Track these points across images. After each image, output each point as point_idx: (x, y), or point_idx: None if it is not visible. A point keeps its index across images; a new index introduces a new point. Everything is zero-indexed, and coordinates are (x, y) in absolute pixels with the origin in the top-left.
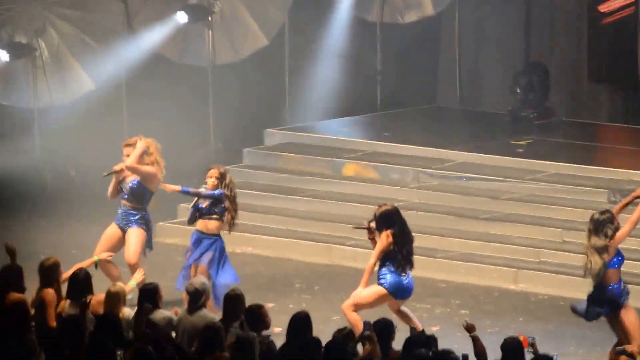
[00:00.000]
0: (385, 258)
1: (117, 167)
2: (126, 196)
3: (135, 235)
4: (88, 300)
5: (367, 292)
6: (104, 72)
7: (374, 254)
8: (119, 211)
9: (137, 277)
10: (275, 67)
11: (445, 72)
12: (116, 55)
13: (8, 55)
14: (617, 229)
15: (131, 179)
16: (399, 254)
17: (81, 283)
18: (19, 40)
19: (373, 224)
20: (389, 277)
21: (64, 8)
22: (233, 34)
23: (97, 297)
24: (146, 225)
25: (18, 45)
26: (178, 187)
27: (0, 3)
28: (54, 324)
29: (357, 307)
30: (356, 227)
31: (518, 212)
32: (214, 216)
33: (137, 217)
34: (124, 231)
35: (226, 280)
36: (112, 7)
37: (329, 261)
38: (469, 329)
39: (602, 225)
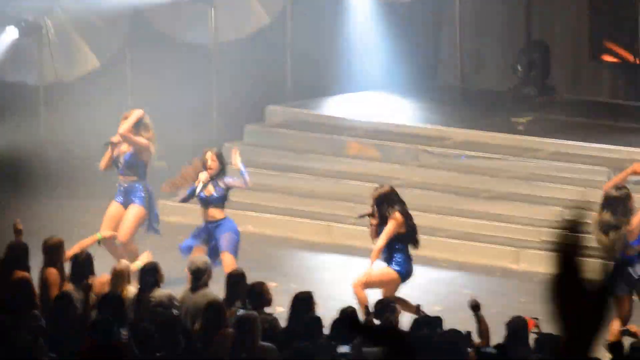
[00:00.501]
0: (395, 239)
1: (115, 139)
2: (122, 171)
3: (133, 213)
4: (90, 282)
5: (379, 273)
6: (108, 51)
7: (384, 236)
8: (120, 188)
9: (144, 258)
10: (277, 44)
11: (446, 50)
12: (121, 34)
13: (17, 31)
14: (632, 207)
15: (124, 153)
16: (408, 234)
17: (82, 265)
18: (26, 18)
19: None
20: (403, 261)
21: None
22: (235, 13)
23: (100, 278)
24: (149, 199)
25: (25, 23)
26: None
27: None
28: None
29: (366, 286)
30: (361, 216)
31: (518, 190)
32: (221, 204)
33: (140, 190)
34: (126, 207)
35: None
36: None
37: (330, 240)
38: (475, 306)
39: (619, 202)
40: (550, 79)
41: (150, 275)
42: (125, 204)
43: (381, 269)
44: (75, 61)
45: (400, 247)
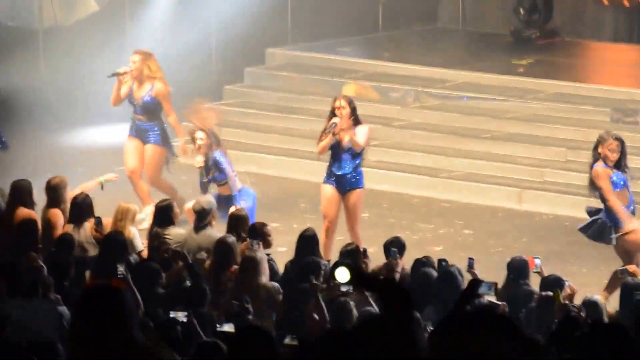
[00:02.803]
0: (356, 155)
1: (121, 70)
2: (139, 111)
3: (151, 154)
4: (96, 224)
5: (357, 203)
6: None
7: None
8: (135, 124)
9: (147, 210)
10: None
11: None
12: None
13: None
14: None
15: (144, 94)
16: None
17: (81, 207)
18: None
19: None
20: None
21: None
22: None
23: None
24: (165, 138)
25: None
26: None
27: None
28: None
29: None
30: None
31: (520, 131)
32: (223, 182)
33: (156, 132)
34: (143, 143)
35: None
36: None
37: None
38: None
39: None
40: (552, 21)
41: (165, 213)
42: (143, 141)
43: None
44: (74, 5)
45: (358, 161)
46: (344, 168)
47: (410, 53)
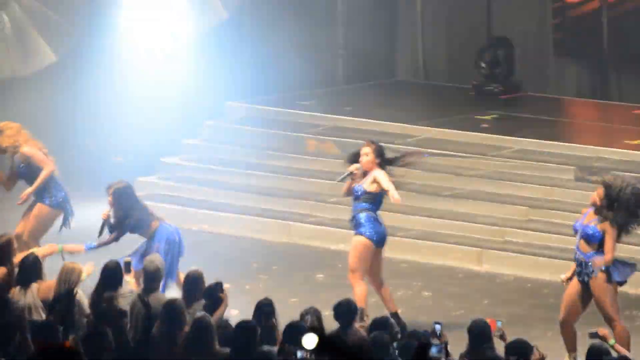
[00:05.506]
0: (367, 201)
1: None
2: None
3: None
4: (36, 287)
5: (353, 251)
6: (65, 46)
7: (392, 187)
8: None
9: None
10: (237, 39)
11: (407, 45)
12: (79, 30)
13: None
14: None
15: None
16: (382, 197)
17: (29, 269)
18: None
19: (354, 168)
20: (370, 225)
21: None
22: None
23: (47, 282)
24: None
25: None
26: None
27: None
28: None
29: (359, 273)
30: (341, 180)
31: (482, 189)
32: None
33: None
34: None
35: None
36: None
37: (287, 239)
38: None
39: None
40: (515, 76)
41: (112, 275)
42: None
43: (353, 243)
44: (32, 56)
45: (369, 207)
46: (353, 211)
47: (371, 107)
